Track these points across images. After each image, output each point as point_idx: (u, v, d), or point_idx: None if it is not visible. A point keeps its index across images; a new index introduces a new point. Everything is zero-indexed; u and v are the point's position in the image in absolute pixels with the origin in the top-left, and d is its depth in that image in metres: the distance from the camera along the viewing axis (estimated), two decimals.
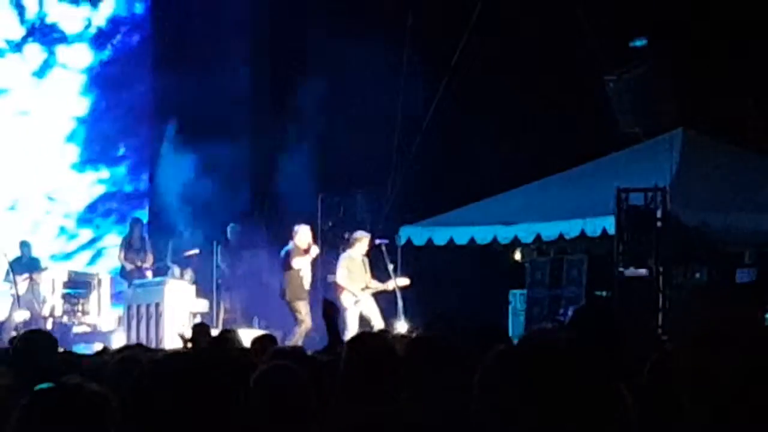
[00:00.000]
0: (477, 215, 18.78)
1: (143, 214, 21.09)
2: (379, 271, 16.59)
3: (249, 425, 4.08)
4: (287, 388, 4.64)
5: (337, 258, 16.64)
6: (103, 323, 18.82)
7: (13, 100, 21.09)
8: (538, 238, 18.16)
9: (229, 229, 18.81)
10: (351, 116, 18.55)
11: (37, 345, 6.33)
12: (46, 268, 18.77)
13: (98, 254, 21.40)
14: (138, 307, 17.06)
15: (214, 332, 11.54)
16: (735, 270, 16.51)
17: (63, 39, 21.58)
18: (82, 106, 21.62)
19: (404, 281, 16.61)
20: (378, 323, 15.76)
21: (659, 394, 4.44)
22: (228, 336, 9.38)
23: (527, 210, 18.29)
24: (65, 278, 18.81)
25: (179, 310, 16.65)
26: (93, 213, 21.62)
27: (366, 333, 7.87)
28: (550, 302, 17.92)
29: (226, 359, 6.31)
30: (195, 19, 20.89)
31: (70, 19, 21.62)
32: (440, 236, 18.78)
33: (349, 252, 16.42)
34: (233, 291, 18.57)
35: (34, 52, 21.38)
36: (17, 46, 21.27)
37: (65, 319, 18.45)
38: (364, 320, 15.92)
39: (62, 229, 21.36)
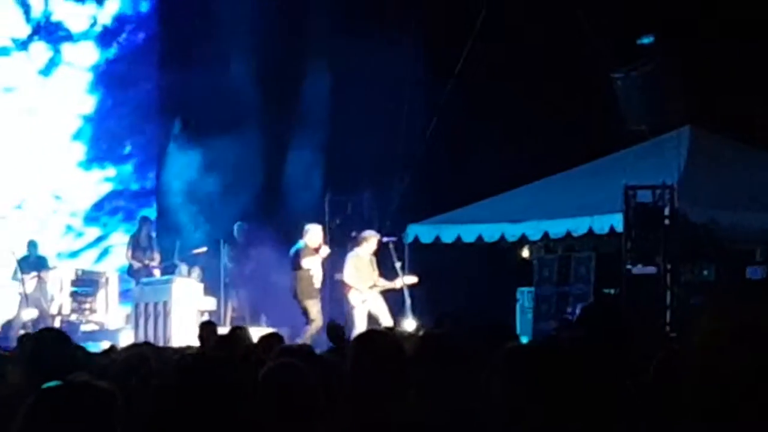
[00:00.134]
0: (485, 213, 18.76)
1: (151, 212, 21.07)
2: (386, 269, 16.55)
3: (256, 422, 4.07)
4: (294, 385, 4.63)
5: (344, 256, 16.58)
6: (111, 321, 18.85)
7: (19, 99, 21.09)
8: (546, 235, 18.15)
9: (236, 227, 18.80)
10: (358, 114, 18.53)
11: (47, 343, 6.32)
12: (54, 267, 18.80)
13: (105, 252, 21.40)
14: (146, 305, 17.05)
15: (222, 330, 11.55)
16: (744, 267, 16.47)
17: (69, 37, 21.59)
18: (88, 104, 21.63)
19: (412, 279, 16.57)
20: (386, 321, 15.73)
21: (666, 392, 4.43)
22: (238, 333, 9.38)
23: (535, 207, 18.28)
24: (73, 276, 18.87)
25: (187, 309, 16.64)
26: (100, 211, 21.63)
27: (373, 331, 7.85)
28: (558, 300, 17.91)
29: (233, 357, 6.31)
30: (201, 17, 20.87)
31: (75, 18, 21.63)
32: (448, 234, 18.76)
33: (356, 250, 16.37)
34: (240, 289, 18.57)
35: (40, 50, 21.40)
36: (23, 45, 21.28)
37: (73, 317, 18.51)
38: (372, 318, 15.89)
39: (69, 228, 21.36)
